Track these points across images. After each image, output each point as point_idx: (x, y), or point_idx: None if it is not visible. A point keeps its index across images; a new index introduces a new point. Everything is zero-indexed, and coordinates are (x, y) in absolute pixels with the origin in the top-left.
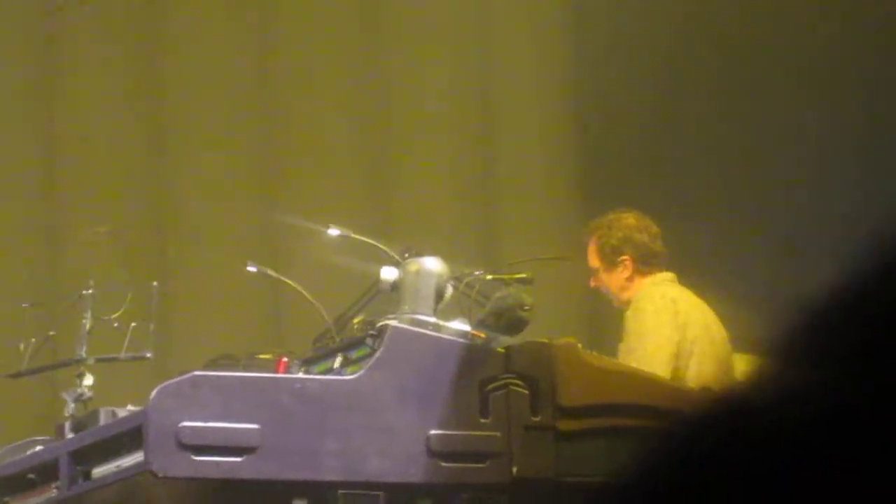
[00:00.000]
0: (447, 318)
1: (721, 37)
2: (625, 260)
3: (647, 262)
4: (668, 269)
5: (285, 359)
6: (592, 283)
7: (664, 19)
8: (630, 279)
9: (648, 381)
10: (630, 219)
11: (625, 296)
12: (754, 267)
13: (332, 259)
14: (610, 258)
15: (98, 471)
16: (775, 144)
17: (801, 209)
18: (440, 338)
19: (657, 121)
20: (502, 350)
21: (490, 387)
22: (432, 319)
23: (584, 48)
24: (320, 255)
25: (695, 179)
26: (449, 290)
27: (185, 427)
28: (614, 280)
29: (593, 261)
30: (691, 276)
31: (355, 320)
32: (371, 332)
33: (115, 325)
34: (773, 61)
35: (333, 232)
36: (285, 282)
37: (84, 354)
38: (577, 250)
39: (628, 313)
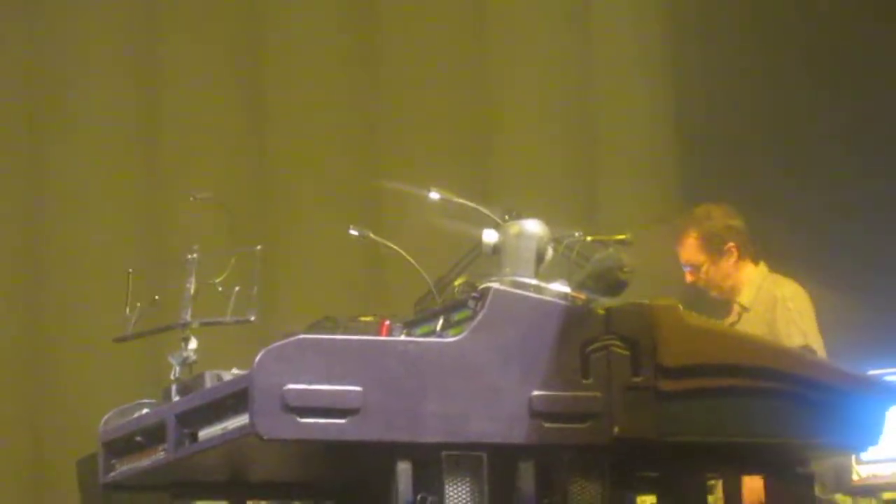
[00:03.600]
0: (548, 280)
1: (821, 29)
2: (731, 247)
3: (749, 248)
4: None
5: (388, 321)
6: (690, 279)
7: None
8: (736, 266)
9: (749, 342)
10: (724, 208)
11: (728, 283)
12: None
13: (434, 222)
14: (716, 247)
15: (204, 433)
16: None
17: None
18: (541, 299)
19: (754, 102)
20: (603, 311)
21: (591, 348)
22: (533, 281)
23: (683, 27)
24: (422, 218)
25: (792, 171)
26: (549, 252)
27: (289, 389)
28: (721, 269)
29: (694, 255)
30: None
31: (456, 282)
32: (473, 294)
33: (220, 288)
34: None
35: (434, 195)
36: (387, 245)
37: (189, 318)
38: (673, 213)
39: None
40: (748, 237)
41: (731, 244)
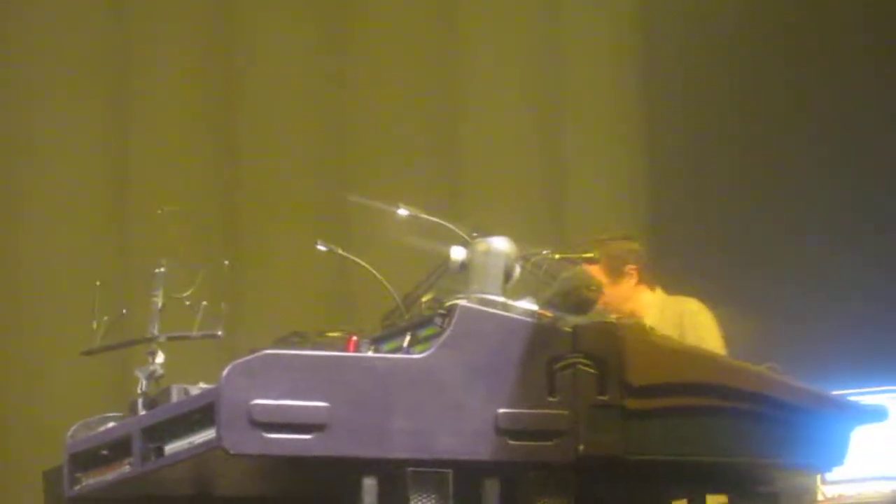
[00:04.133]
0: (515, 298)
1: (792, 32)
2: (631, 269)
3: (648, 273)
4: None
5: (355, 337)
6: None
7: (732, 13)
8: (635, 289)
9: (716, 361)
10: (625, 232)
11: (628, 306)
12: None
13: (401, 238)
14: (616, 268)
15: (170, 447)
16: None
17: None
18: (508, 317)
19: (728, 98)
20: (569, 329)
21: (558, 365)
22: (500, 299)
23: (655, 36)
24: (389, 234)
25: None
26: (517, 270)
27: (256, 405)
28: (620, 291)
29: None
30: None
31: (424, 299)
32: (440, 310)
33: (187, 303)
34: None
35: (402, 211)
36: (354, 260)
37: (156, 332)
38: (636, 232)
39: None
40: (647, 262)
41: (632, 266)
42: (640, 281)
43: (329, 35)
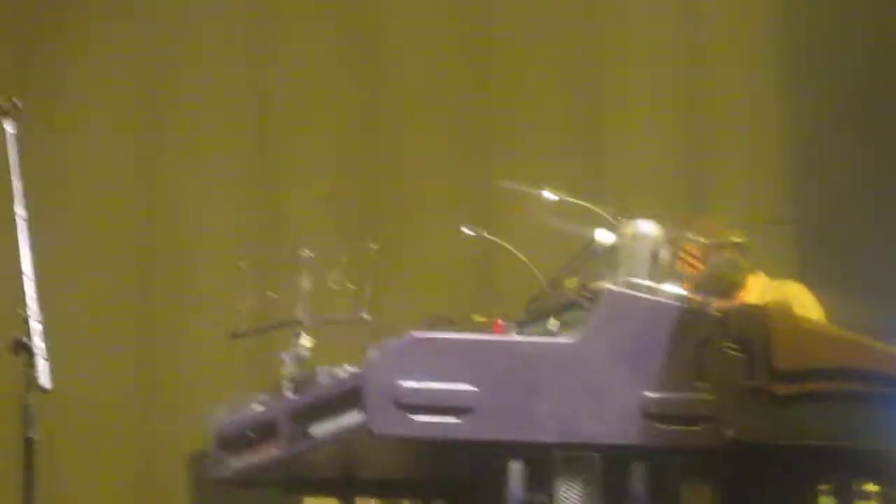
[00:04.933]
0: (662, 281)
1: None
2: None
3: (749, 259)
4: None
5: (501, 321)
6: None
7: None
8: None
9: (865, 346)
10: (725, 220)
11: None
12: None
13: (547, 222)
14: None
15: (317, 430)
16: None
17: None
18: (655, 301)
19: (867, 87)
20: (717, 313)
21: (705, 350)
22: (648, 283)
23: (795, 25)
24: (535, 218)
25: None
26: (664, 254)
27: (402, 387)
28: None
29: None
30: None
31: (569, 283)
32: (587, 294)
33: (333, 286)
34: None
35: (548, 195)
36: (500, 244)
37: (303, 315)
38: (788, 215)
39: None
40: (747, 249)
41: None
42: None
43: (473, 14)
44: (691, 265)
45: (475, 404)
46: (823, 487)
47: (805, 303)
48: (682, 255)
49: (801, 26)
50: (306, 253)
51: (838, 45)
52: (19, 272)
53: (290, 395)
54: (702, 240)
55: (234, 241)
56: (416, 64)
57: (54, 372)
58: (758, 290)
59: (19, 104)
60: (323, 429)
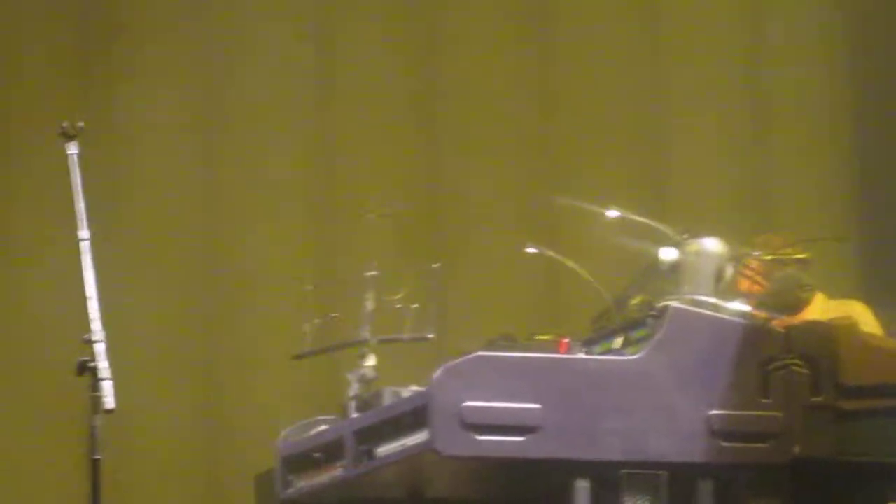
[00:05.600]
0: (726, 299)
1: None
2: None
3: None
4: None
5: (565, 340)
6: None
7: None
8: None
9: None
10: (787, 238)
11: None
12: None
13: (611, 240)
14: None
15: (382, 450)
16: None
17: None
18: (720, 318)
19: None
20: (782, 330)
21: (770, 367)
22: (712, 300)
23: (863, 41)
24: (599, 236)
25: None
26: (728, 271)
27: (468, 407)
28: None
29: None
30: None
31: (634, 301)
32: (652, 312)
33: (398, 305)
34: None
35: (612, 213)
36: (564, 263)
37: (367, 335)
38: (848, 233)
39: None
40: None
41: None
42: None
43: (535, 35)
44: (755, 282)
45: (540, 423)
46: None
47: (866, 321)
48: (746, 272)
49: (873, 47)
50: (370, 273)
51: None
52: (84, 294)
53: (355, 415)
54: (765, 256)
55: (298, 262)
56: (480, 82)
57: (119, 393)
58: (819, 309)
59: (82, 126)
60: (388, 449)
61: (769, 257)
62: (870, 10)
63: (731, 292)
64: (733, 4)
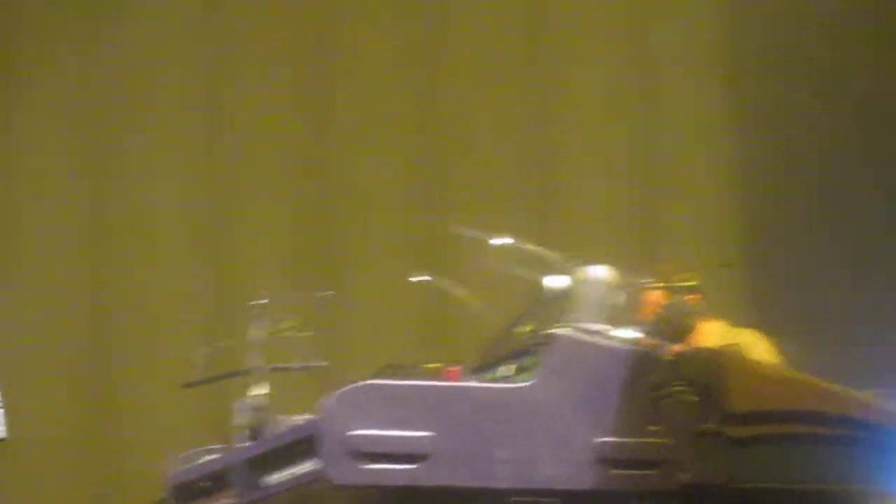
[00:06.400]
0: (615, 326)
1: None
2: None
3: (707, 306)
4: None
5: (455, 367)
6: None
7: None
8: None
9: (818, 388)
10: (684, 264)
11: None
12: None
13: (501, 268)
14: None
15: (272, 478)
16: None
17: None
18: (609, 345)
19: (816, 132)
20: (671, 357)
21: (659, 393)
22: (601, 327)
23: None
24: (489, 264)
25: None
26: (617, 299)
27: (358, 435)
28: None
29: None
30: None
31: (523, 328)
32: (541, 340)
33: (288, 334)
34: None
35: (500, 241)
36: (454, 291)
37: (258, 364)
38: (735, 260)
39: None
40: (705, 294)
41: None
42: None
43: (424, 63)
44: (645, 309)
45: (430, 451)
46: None
47: (761, 349)
48: (642, 300)
49: (755, 74)
50: (260, 301)
51: (793, 93)
52: None
53: (245, 443)
54: (655, 284)
55: (188, 291)
56: (365, 109)
57: (10, 422)
58: (716, 336)
59: None
60: (279, 478)
61: (658, 285)
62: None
63: (619, 319)
64: (624, 32)
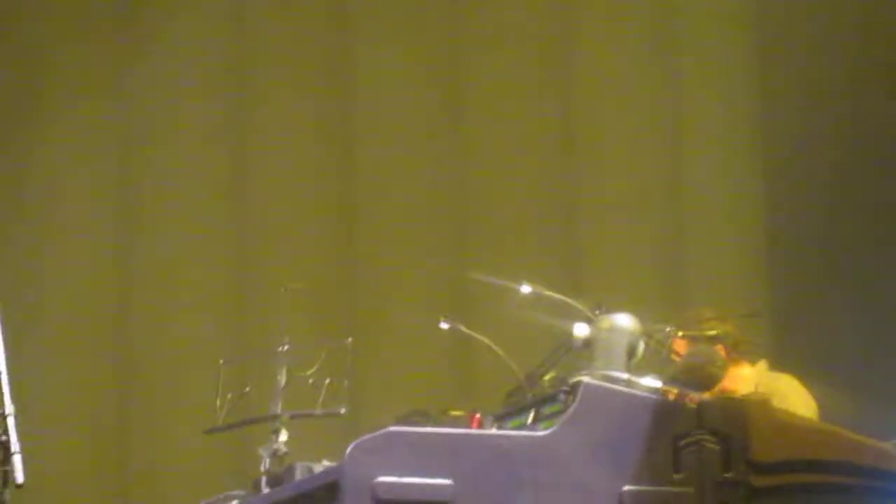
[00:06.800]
0: (639, 375)
1: None
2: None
3: (741, 349)
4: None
5: (478, 415)
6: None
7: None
8: (733, 365)
9: (842, 438)
10: (715, 310)
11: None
12: None
13: (524, 316)
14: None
15: None
16: None
17: None
18: (633, 394)
19: (840, 185)
20: (694, 406)
21: (682, 442)
22: (625, 375)
23: (772, 110)
24: (512, 311)
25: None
26: (641, 347)
27: (380, 482)
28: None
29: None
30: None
31: (547, 376)
32: (564, 388)
33: (310, 381)
34: None
35: (525, 289)
36: (478, 338)
37: (279, 410)
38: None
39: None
40: (739, 339)
41: (719, 346)
42: (733, 359)
43: (445, 109)
44: (670, 357)
45: (452, 498)
46: None
47: (793, 400)
48: (659, 348)
49: (780, 117)
50: (283, 347)
51: (815, 139)
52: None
53: (266, 490)
54: (678, 333)
55: (213, 337)
56: (390, 157)
57: (28, 467)
58: (750, 381)
59: None
60: None
61: (681, 333)
62: (780, 88)
63: (643, 368)
64: (649, 74)
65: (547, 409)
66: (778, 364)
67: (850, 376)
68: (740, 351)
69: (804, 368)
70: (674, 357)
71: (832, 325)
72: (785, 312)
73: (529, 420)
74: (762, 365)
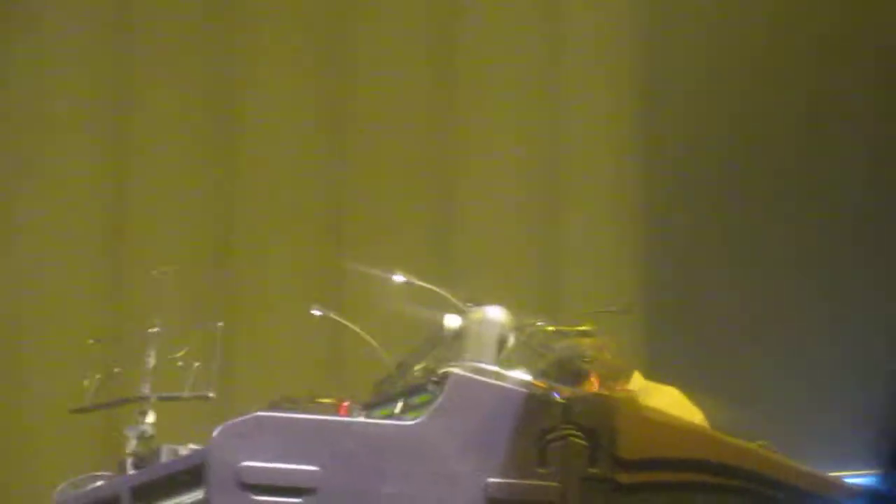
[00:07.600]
0: (508, 368)
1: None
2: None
3: (612, 373)
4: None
5: (347, 403)
6: None
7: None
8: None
9: (708, 437)
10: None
11: None
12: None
13: (396, 305)
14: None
15: None
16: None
17: None
18: (501, 386)
19: (725, 176)
20: (562, 400)
21: (549, 437)
22: (494, 368)
23: (654, 99)
24: (384, 301)
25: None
26: (511, 340)
27: (246, 467)
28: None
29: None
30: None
31: (417, 367)
32: (433, 378)
33: (179, 363)
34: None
35: (398, 278)
36: (349, 326)
37: (147, 392)
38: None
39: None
40: (610, 362)
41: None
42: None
43: (330, 100)
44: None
45: (318, 485)
46: None
47: (680, 409)
48: (529, 341)
49: (664, 108)
50: (153, 329)
51: (702, 129)
52: None
53: (132, 471)
54: (548, 327)
55: (82, 315)
56: (273, 139)
57: None
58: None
59: None
60: None
61: (552, 328)
62: (665, 76)
63: (513, 361)
64: (534, 51)
65: (416, 399)
66: (650, 364)
67: (726, 376)
68: (615, 378)
69: (677, 368)
70: (543, 351)
71: (708, 320)
72: (659, 307)
73: (398, 409)
74: (636, 378)
